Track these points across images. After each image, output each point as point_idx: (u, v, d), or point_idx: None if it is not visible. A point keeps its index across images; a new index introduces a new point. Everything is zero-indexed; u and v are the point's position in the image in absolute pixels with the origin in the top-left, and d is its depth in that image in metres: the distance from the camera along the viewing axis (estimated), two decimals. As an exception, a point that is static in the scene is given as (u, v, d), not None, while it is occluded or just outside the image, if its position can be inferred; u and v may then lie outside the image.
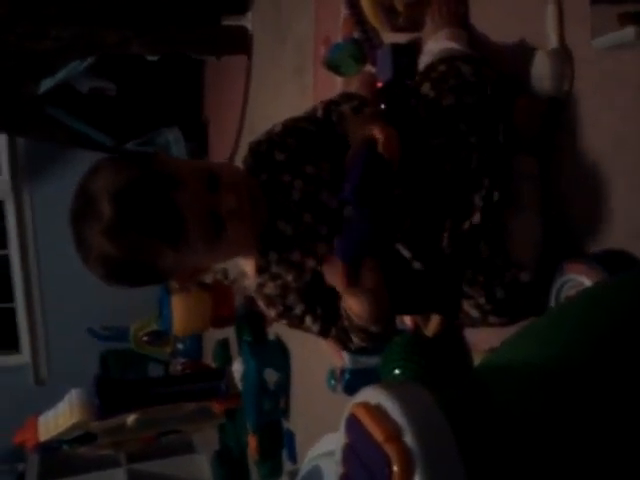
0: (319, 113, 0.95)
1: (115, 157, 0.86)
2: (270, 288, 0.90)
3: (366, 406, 0.48)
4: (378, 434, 0.44)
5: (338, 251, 0.74)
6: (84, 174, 0.83)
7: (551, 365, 0.55)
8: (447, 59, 1.05)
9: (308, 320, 0.90)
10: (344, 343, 0.91)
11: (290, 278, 0.88)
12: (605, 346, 0.54)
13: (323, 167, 0.89)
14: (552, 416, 0.49)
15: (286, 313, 0.91)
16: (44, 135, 2.71)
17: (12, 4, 2.03)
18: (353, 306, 0.80)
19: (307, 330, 0.92)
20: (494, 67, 1.03)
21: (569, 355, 0.55)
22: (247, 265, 0.94)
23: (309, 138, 0.92)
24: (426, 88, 1.00)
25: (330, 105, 0.95)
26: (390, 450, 0.43)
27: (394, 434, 0.44)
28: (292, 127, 0.94)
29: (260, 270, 0.90)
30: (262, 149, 0.92)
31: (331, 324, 0.89)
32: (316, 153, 0.91)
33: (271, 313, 0.92)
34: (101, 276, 0.83)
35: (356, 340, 0.88)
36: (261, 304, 0.92)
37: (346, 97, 0.96)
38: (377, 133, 0.78)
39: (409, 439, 0.44)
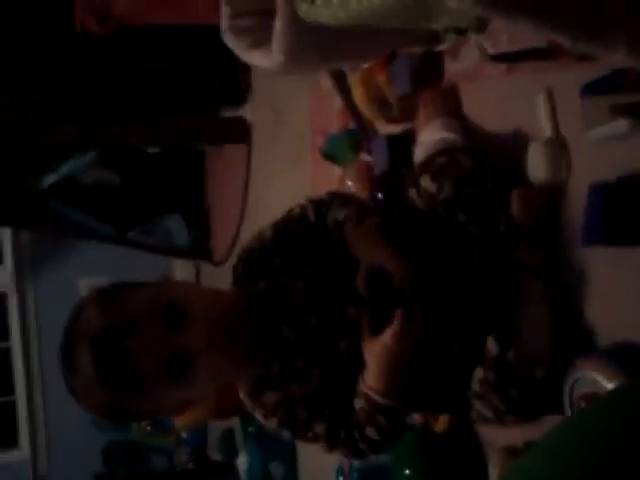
0: (311, 216, 0.92)
1: (86, 299, 0.83)
2: (270, 398, 0.86)
3: None
4: None
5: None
6: (70, 315, 0.82)
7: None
8: (446, 151, 1.06)
9: (314, 424, 0.86)
10: (354, 447, 0.86)
11: (294, 387, 0.85)
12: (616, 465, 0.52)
13: (324, 268, 0.88)
14: None
15: (289, 421, 0.86)
16: (47, 228, 2.73)
17: (16, 104, 2.09)
18: (375, 380, 0.81)
19: (313, 439, 0.87)
20: (490, 157, 1.03)
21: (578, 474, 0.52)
22: (238, 381, 0.90)
23: (302, 241, 0.91)
24: (425, 181, 1.00)
25: (320, 207, 0.93)
26: None
27: None
28: (283, 231, 0.92)
29: (258, 382, 0.86)
30: (255, 256, 0.90)
31: (340, 426, 0.85)
32: (313, 255, 0.89)
33: (272, 423, 0.87)
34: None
35: (371, 432, 0.83)
36: (259, 416, 0.87)
37: (340, 200, 0.93)
38: (390, 267, 0.81)
39: None
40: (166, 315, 0.78)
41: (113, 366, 0.77)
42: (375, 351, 0.80)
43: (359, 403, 0.84)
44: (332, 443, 0.86)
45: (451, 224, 0.94)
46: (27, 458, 3.27)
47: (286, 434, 0.88)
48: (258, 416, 0.88)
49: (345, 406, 0.85)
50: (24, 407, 3.26)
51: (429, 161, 1.05)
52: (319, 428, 0.85)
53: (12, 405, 3.30)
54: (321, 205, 0.93)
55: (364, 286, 0.82)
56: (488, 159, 1.02)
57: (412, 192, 1.02)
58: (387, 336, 0.79)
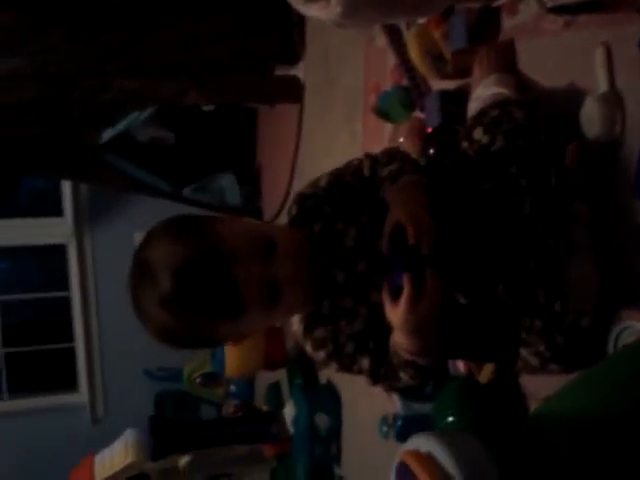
0: (365, 170, 0.95)
1: (169, 225, 0.86)
2: (320, 332, 0.90)
3: (417, 454, 0.48)
4: (428, 484, 0.44)
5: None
6: (140, 242, 0.85)
7: (604, 413, 0.55)
8: (499, 103, 1.06)
9: (360, 358, 0.90)
10: (392, 383, 0.90)
11: (342, 324, 0.89)
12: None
13: (375, 218, 0.90)
14: (610, 464, 0.48)
15: (336, 353, 0.90)
16: (105, 182, 2.84)
17: (79, 60, 2.16)
18: (402, 339, 0.82)
19: (358, 372, 0.91)
20: (545, 111, 1.04)
21: (621, 403, 0.54)
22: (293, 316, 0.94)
23: (354, 194, 0.94)
24: (478, 133, 1.01)
25: (375, 164, 0.95)
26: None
27: (444, 484, 0.44)
28: (337, 182, 0.95)
29: (310, 316, 0.91)
30: (308, 202, 0.94)
31: (382, 361, 0.89)
32: (364, 206, 0.92)
33: (320, 355, 0.91)
34: (158, 341, 0.86)
35: (404, 377, 0.87)
36: (309, 348, 0.92)
37: (387, 157, 0.95)
38: (406, 225, 0.80)
39: (460, 490, 0.43)
40: (265, 247, 0.84)
41: (219, 291, 0.80)
42: (394, 316, 0.81)
43: (391, 348, 0.86)
44: (375, 377, 0.90)
45: (501, 176, 0.95)
46: (86, 401, 3.46)
47: (334, 366, 0.92)
48: (308, 349, 0.92)
49: (388, 344, 0.87)
50: (82, 354, 3.43)
51: (482, 114, 1.05)
52: (364, 362, 0.89)
53: (72, 352, 3.48)
54: (376, 161, 0.95)
55: (385, 245, 0.83)
56: (543, 113, 1.02)
57: (464, 144, 1.03)
58: (402, 304, 0.79)
